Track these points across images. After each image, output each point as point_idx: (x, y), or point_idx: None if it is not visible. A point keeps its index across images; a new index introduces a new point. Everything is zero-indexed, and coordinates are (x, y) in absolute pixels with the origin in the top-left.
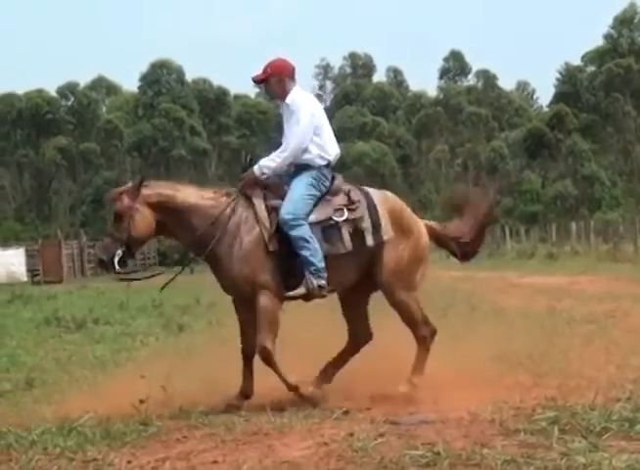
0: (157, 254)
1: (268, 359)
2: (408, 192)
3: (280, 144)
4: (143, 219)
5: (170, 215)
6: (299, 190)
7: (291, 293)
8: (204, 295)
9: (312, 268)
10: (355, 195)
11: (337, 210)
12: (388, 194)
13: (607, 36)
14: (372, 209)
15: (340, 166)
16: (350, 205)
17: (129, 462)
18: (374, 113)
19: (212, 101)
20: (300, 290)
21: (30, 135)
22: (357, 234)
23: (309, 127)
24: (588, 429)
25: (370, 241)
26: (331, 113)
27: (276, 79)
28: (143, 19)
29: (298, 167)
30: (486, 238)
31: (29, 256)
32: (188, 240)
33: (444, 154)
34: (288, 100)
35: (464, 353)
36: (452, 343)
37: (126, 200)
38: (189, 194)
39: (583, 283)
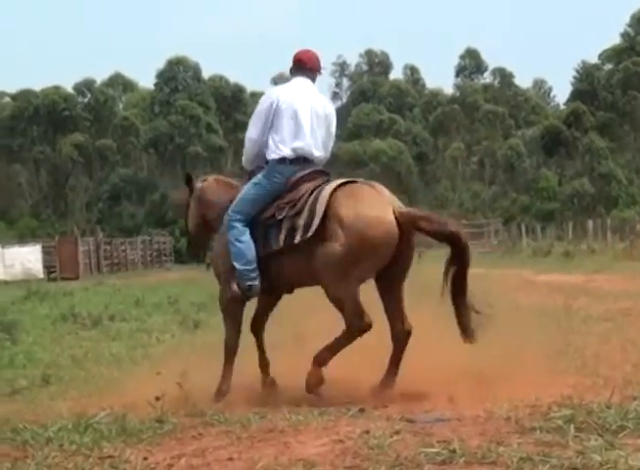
0: (172, 251)
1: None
2: (424, 190)
3: None
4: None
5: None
6: (245, 189)
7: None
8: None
9: (236, 271)
10: (305, 189)
11: (279, 207)
12: (355, 186)
13: (624, 34)
14: (314, 206)
15: (356, 164)
16: (296, 202)
17: (145, 459)
18: (390, 110)
19: (229, 98)
20: (233, 288)
21: (47, 132)
22: (293, 232)
23: (257, 123)
24: (604, 427)
25: (297, 238)
26: (347, 110)
27: (293, 69)
28: (159, 16)
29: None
30: (503, 236)
31: (46, 252)
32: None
33: (461, 152)
34: None
35: (479, 351)
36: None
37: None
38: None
39: (600, 281)
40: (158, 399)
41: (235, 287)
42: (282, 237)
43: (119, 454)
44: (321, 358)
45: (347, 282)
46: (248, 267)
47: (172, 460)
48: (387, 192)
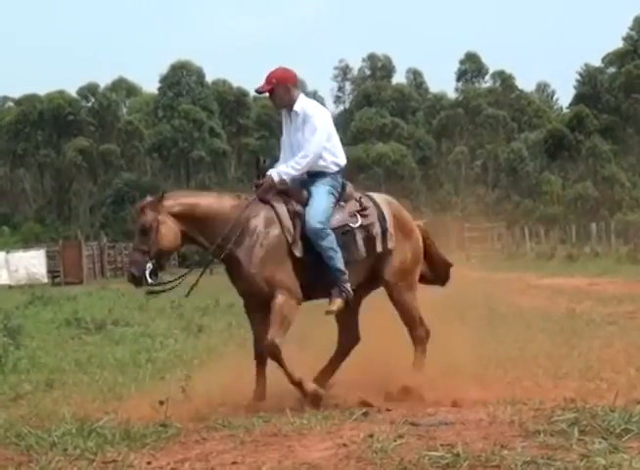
0: (177, 255)
1: (276, 354)
2: (427, 193)
3: (278, 156)
4: (168, 231)
5: (194, 224)
6: (324, 199)
7: (332, 308)
8: (223, 296)
9: (343, 277)
10: (366, 201)
11: (351, 216)
12: (389, 198)
13: (627, 38)
14: (380, 215)
15: (359, 168)
16: (363, 211)
17: (149, 463)
18: (393, 114)
19: (232, 102)
20: (338, 302)
21: (51, 136)
22: (369, 240)
23: (325, 134)
24: (608, 430)
25: (379, 247)
26: (350, 114)
27: (283, 89)
28: (162, 20)
29: (312, 174)
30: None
31: (50, 257)
32: (210, 245)
33: (464, 155)
34: (297, 108)
35: (483, 355)
36: (471, 344)
37: (150, 213)
38: (210, 201)
39: (603, 284)
40: (161, 403)
41: (348, 294)
42: (360, 245)
43: (123, 459)
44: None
45: (414, 287)
46: (346, 274)
47: (176, 465)
48: None
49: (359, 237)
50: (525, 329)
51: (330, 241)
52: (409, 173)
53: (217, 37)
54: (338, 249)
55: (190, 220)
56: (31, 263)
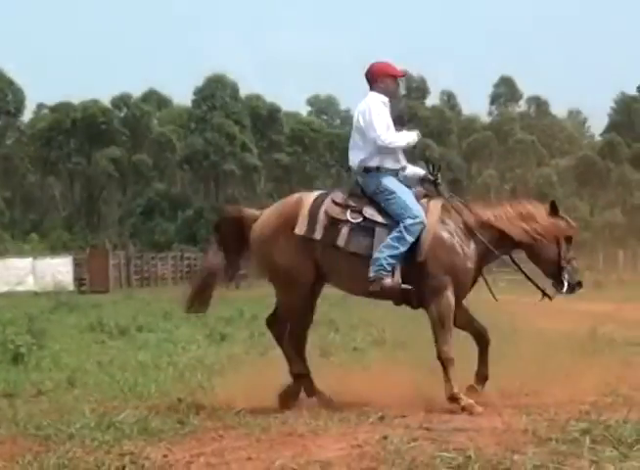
0: None
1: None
2: None
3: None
4: None
5: None
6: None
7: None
8: (247, 308)
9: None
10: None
11: None
12: None
13: None
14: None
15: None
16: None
17: (165, 456)
18: (425, 135)
19: (265, 117)
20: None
21: (83, 145)
22: None
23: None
24: (620, 440)
25: None
26: None
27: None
28: (194, 34)
29: None
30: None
31: (77, 264)
32: None
33: (493, 179)
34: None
35: (502, 370)
36: (491, 360)
37: None
38: None
39: (628, 310)
40: (180, 400)
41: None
42: None
43: (140, 451)
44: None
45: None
46: None
47: (192, 458)
48: None
49: None
50: (547, 347)
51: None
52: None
53: (250, 52)
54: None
55: None
56: (58, 271)
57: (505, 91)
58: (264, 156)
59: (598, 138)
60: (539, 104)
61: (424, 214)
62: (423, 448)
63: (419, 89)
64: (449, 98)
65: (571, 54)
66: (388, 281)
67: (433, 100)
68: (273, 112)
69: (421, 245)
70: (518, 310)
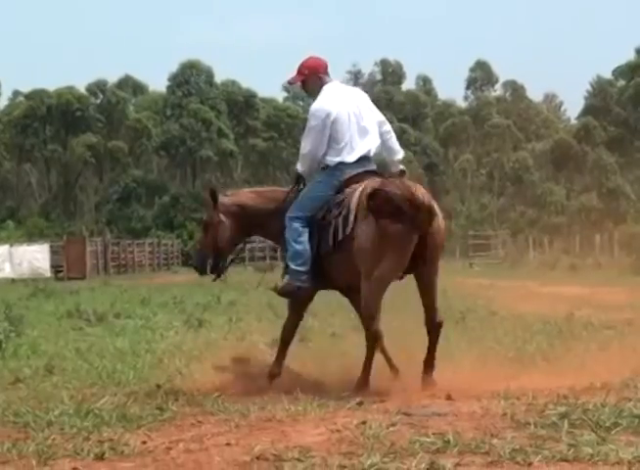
0: (180, 254)
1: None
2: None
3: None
4: (225, 230)
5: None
6: (305, 190)
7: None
8: (225, 294)
9: (289, 268)
10: (350, 190)
11: (329, 209)
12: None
13: (639, 50)
14: (350, 203)
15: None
16: (341, 201)
17: (144, 443)
18: (401, 120)
19: (241, 103)
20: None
21: (59, 132)
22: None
23: (317, 137)
24: (598, 424)
25: (340, 235)
26: None
27: (313, 78)
28: (169, 20)
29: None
30: (510, 248)
31: (54, 252)
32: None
33: (470, 163)
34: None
35: (479, 353)
36: (469, 343)
37: (210, 212)
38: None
39: (604, 293)
40: (159, 386)
41: (281, 283)
42: (330, 237)
43: (119, 438)
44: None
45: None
46: (302, 269)
47: (171, 445)
48: None
49: (331, 228)
50: (524, 331)
51: (288, 231)
52: (415, 179)
53: (225, 38)
54: (293, 241)
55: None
56: (35, 257)
57: (481, 75)
58: (241, 141)
59: (574, 122)
60: (515, 88)
61: None
62: (402, 433)
63: (395, 74)
64: (425, 82)
65: (546, 37)
66: None
67: (408, 85)
68: (249, 97)
69: None
70: (495, 295)
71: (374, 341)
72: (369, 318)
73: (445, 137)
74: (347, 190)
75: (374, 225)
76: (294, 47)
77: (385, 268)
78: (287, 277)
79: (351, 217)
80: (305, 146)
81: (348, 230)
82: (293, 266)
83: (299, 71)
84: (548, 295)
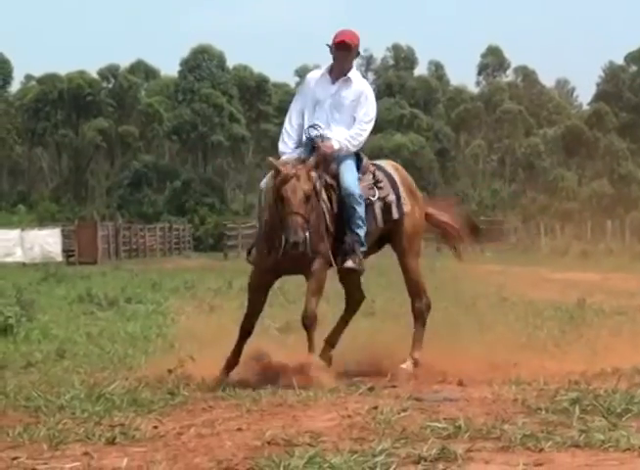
0: (191, 238)
1: (312, 325)
2: (444, 186)
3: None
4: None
5: None
6: (353, 171)
7: (346, 264)
8: (236, 279)
9: (362, 248)
10: (379, 174)
11: (369, 188)
12: (395, 164)
13: None
14: (393, 183)
15: (376, 157)
16: (378, 183)
17: (155, 427)
18: (412, 105)
19: (252, 88)
20: (350, 264)
21: (70, 116)
22: (386, 209)
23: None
24: (609, 410)
25: (395, 214)
26: None
27: (355, 52)
28: (181, 4)
29: None
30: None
31: (65, 236)
32: None
33: (482, 149)
34: (353, 77)
35: (491, 339)
36: (480, 329)
37: (313, 181)
38: None
39: (615, 280)
40: (170, 371)
41: (359, 263)
42: (379, 216)
43: (130, 423)
44: (417, 357)
45: (420, 253)
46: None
47: (182, 429)
48: None
49: (378, 208)
50: (535, 317)
51: (361, 209)
52: (427, 165)
53: (238, 22)
54: (364, 220)
55: None
56: (46, 242)
57: (493, 61)
58: (252, 126)
59: (586, 107)
60: (527, 73)
61: None
62: (413, 418)
63: (407, 59)
64: (437, 68)
65: (558, 23)
66: None
67: (420, 70)
68: (261, 82)
69: None
70: (506, 281)
71: (428, 309)
72: (422, 290)
73: (457, 123)
74: (376, 172)
75: (420, 206)
76: (306, 32)
77: (420, 246)
78: (360, 255)
79: (404, 196)
80: (370, 126)
81: (406, 208)
82: (362, 248)
83: (350, 37)
84: (559, 281)
